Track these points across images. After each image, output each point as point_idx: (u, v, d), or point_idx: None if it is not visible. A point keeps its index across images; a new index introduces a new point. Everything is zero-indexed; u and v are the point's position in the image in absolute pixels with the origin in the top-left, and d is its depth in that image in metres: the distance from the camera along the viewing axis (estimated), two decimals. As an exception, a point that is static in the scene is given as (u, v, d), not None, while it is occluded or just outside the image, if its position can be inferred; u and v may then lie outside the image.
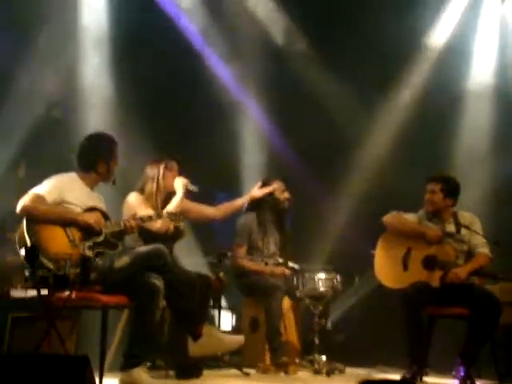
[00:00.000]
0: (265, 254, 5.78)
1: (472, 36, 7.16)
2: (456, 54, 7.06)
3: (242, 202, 5.56)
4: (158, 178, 4.97)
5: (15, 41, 5.84)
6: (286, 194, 5.89)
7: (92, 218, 4.26)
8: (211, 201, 5.47)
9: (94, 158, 4.48)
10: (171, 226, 4.87)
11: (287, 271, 5.65)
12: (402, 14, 6.71)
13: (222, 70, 7.05)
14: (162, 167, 5.01)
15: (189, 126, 6.77)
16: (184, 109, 6.82)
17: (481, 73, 7.12)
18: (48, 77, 5.98)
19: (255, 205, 5.75)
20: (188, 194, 5.06)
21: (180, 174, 5.07)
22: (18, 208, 4.16)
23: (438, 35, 7.19)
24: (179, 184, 4.99)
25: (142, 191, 4.97)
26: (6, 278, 4.40)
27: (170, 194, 5.02)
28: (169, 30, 6.81)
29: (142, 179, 5.02)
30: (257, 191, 5.63)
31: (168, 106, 6.69)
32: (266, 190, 5.67)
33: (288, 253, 5.89)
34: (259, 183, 5.72)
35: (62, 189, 4.31)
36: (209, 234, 6.47)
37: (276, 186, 5.86)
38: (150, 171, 5.01)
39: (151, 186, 4.95)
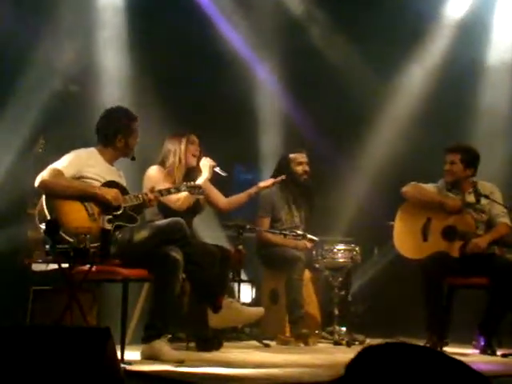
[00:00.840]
0: (287, 226, 5.77)
1: (492, 7, 7.04)
2: (476, 24, 6.95)
3: (247, 195, 5.39)
4: (180, 152, 4.95)
5: (32, 15, 5.82)
6: (304, 167, 5.85)
7: (110, 194, 4.26)
8: (229, 174, 5.43)
9: (112, 132, 4.46)
10: (191, 202, 4.88)
11: (310, 245, 5.64)
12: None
13: (238, 41, 6.98)
14: (184, 141, 4.97)
15: (206, 100, 6.73)
16: (200, 82, 6.77)
17: (501, 44, 7.01)
18: (65, 51, 5.96)
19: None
20: (214, 176, 5.05)
21: (202, 152, 5.04)
22: (37, 182, 4.18)
23: (458, 6, 7.07)
24: (206, 164, 4.97)
25: (162, 164, 4.96)
26: (27, 252, 4.43)
27: (190, 169, 5.02)
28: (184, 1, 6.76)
29: (162, 153, 5.00)
30: (263, 182, 5.54)
31: (185, 80, 6.65)
32: (275, 180, 5.57)
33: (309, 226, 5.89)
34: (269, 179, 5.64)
35: (81, 164, 4.32)
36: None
37: (297, 156, 5.82)
38: (171, 145, 4.98)
39: (173, 160, 4.94)
